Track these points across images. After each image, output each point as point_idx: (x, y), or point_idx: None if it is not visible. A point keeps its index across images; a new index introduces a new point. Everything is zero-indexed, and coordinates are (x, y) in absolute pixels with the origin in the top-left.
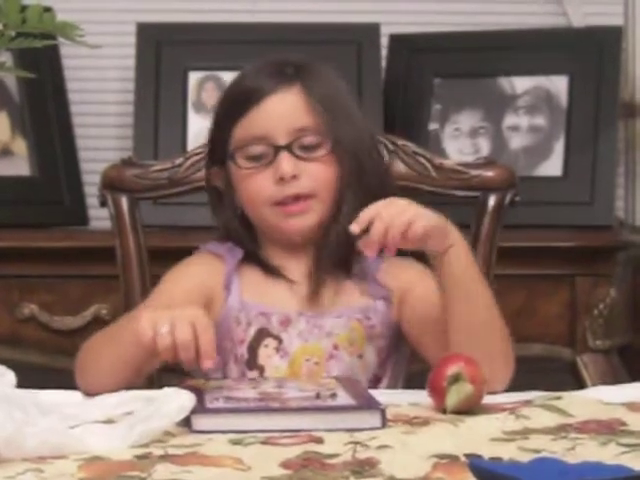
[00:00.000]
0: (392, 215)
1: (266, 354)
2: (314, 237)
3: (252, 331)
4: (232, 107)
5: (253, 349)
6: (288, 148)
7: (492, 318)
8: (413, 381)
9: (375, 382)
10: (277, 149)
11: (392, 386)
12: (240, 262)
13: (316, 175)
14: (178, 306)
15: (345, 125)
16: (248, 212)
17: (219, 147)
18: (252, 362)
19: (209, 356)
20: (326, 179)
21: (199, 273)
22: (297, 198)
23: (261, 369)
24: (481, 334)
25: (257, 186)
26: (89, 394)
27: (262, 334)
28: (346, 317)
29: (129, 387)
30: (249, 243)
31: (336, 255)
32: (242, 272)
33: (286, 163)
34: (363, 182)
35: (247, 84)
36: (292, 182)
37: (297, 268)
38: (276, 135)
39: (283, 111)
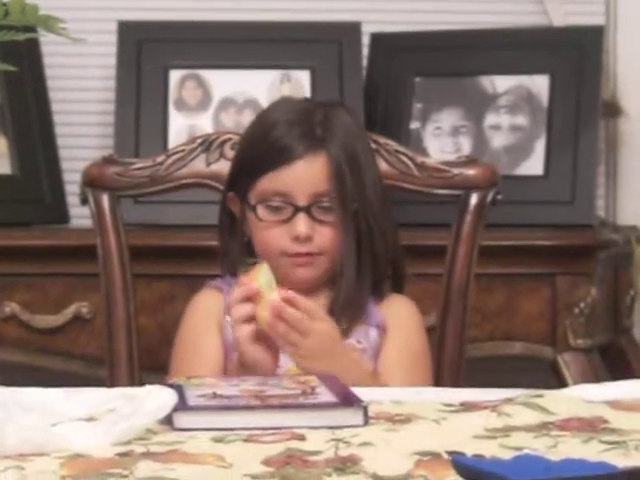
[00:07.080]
0: None
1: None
2: (319, 284)
3: None
4: (263, 157)
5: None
6: (307, 210)
7: None
8: None
9: None
10: (297, 209)
11: None
12: None
13: (328, 237)
14: None
15: (359, 191)
16: (261, 254)
17: (239, 179)
18: None
19: None
20: (336, 241)
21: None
22: (307, 254)
23: None
24: None
25: (272, 238)
26: None
27: None
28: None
29: None
30: None
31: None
32: None
33: (303, 225)
34: (370, 242)
35: (280, 140)
36: (306, 242)
37: None
38: (298, 196)
39: (309, 176)
